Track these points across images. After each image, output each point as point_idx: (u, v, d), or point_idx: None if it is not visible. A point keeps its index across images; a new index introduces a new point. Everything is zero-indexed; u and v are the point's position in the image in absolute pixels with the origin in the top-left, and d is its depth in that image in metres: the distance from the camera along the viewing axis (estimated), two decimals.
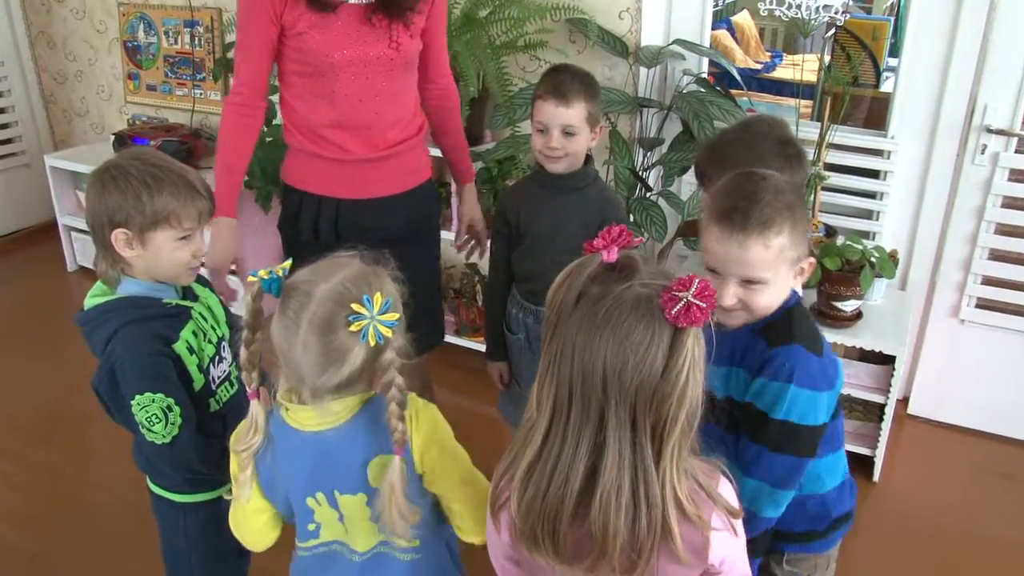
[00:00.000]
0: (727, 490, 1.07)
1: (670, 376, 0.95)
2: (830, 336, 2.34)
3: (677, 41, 2.61)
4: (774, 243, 1.24)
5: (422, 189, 2.00)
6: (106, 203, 1.38)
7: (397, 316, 1.12)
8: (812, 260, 1.35)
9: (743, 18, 5.85)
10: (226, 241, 1.89)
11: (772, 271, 1.27)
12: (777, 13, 2.63)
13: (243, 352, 1.18)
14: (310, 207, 1.92)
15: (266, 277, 1.12)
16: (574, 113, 1.76)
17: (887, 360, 2.38)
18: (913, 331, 2.69)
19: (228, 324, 1.59)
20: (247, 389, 1.21)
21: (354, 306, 1.09)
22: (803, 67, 4.38)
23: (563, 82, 1.77)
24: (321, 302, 1.10)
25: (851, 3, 4.48)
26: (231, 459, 1.26)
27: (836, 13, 2.55)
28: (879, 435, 2.43)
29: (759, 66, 5.59)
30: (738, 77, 2.56)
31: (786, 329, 1.30)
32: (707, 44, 2.75)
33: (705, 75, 2.72)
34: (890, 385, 2.36)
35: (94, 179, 1.40)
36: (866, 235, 2.66)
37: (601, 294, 0.96)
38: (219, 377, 1.55)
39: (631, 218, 2.61)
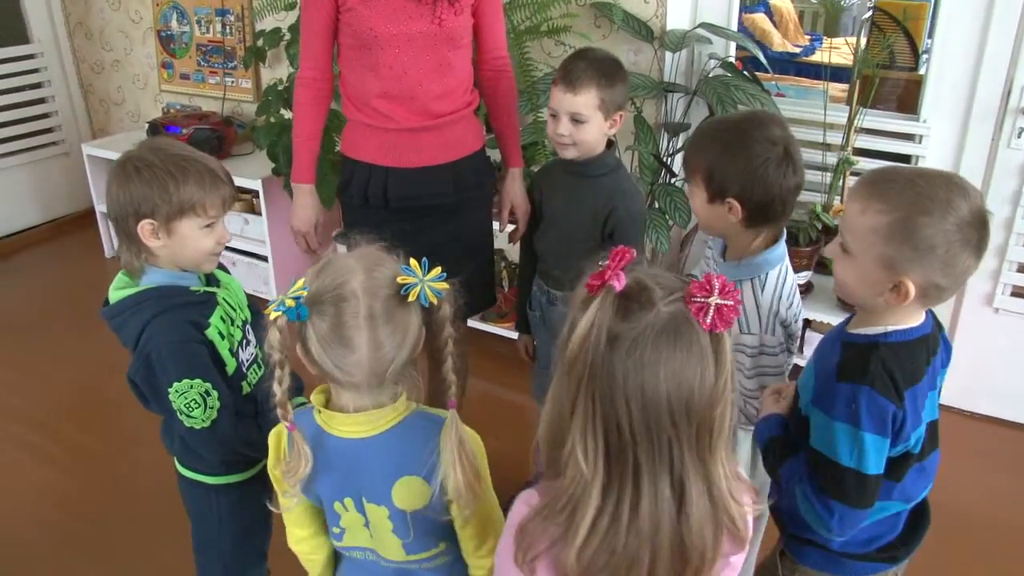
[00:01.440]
0: (742, 471, 1.08)
1: (720, 382, 0.94)
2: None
3: (703, 25, 2.58)
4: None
5: (471, 159, 2.02)
6: (131, 194, 1.39)
7: (440, 269, 1.12)
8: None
9: (781, 1, 5.76)
10: (307, 206, 2.04)
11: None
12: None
13: (277, 389, 1.13)
14: (361, 174, 1.99)
15: (291, 306, 1.08)
16: (582, 100, 1.75)
17: None
18: (945, 320, 2.63)
19: (249, 307, 1.61)
20: (284, 420, 1.16)
21: (400, 278, 1.10)
22: (836, 50, 4.29)
23: (574, 68, 1.76)
24: (365, 296, 1.09)
25: None
26: (274, 483, 1.26)
27: None
28: None
29: (798, 49, 5.50)
30: (764, 61, 2.52)
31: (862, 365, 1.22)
32: (735, 27, 2.71)
33: (733, 59, 2.68)
34: None
35: (117, 171, 1.42)
36: None
37: (634, 331, 0.91)
38: (248, 360, 1.57)
39: (655, 204, 2.59)
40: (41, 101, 4.29)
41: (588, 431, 0.93)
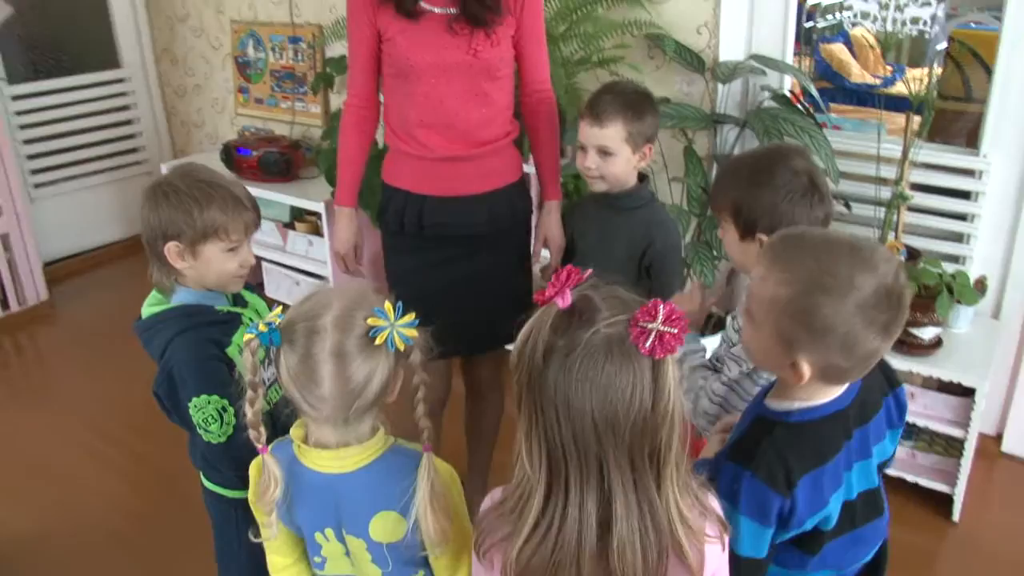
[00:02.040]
0: (716, 504, 1.06)
1: (659, 408, 0.95)
2: (905, 364, 2.24)
3: (754, 56, 2.56)
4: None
5: (507, 190, 2.02)
6: (159, 218, 1.48)
7: (413, 316, 1.14)
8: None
9: (861, 32, 5.64)
10: (346, 228, 2.11)
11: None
12: (867, 26, 2.52)
13: (248, 411, 1.18)
14: (398, 201, 2.02)
15: (264, 331, 1.12)
16: (609, 133, 1.76)
17: (969, 392, 2.26)
18: (1007, 363, 2.53)
19: None
20: (256, 442, 1.21)
21: (370, 320, 1.12)
22: (920, 82, 4.18)
23: (600, 102, 1.78)
24: (334, 331, 1.11)
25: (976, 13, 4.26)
26: (255, 513, 1.30)
27: (925, 26, 2.43)
28: (959, 471, 2.30)
29: (878, 80, 5.36)
30: (815, 94, 2.48)
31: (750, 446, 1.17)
32: (789, 59, 2.69)
33: (786, 91, 2.65)
34: (970, 419, 2.23)
35: (148, 195, 1.50)
36: (955, 259, 2.53)
37: (570, 346, 0.93)
38: (269, 379, 1.63)
39: (702, 236, 2.58)
40: (127, 123, 4.53)
41: (532, 436, 0.97)
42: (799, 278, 1.08)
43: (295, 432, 1.24)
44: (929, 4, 2.39)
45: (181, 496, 2.60)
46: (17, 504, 2.63)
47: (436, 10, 1.85)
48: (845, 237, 1.12)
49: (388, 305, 1.13)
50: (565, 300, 0.96)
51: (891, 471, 2.39)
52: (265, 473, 1.21)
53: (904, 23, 2.44)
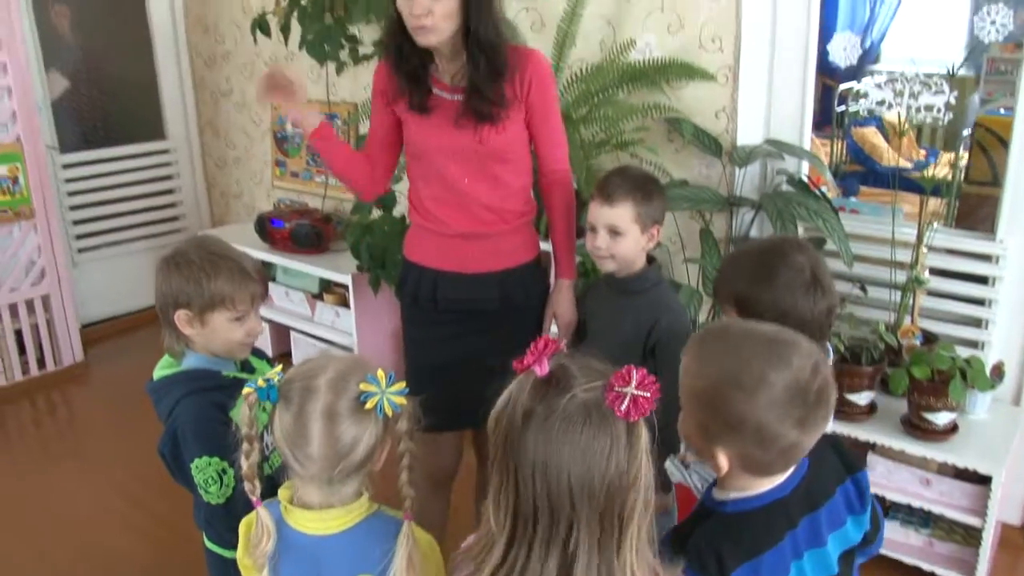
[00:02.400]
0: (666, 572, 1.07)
1: (632, 469, 0.99)
2: (919, 450, 2.23)
3: (769, 141, 2.62)
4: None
5: (520, 269, 2.07)
6: (171, 286, 1.57)
7: (404, 384, 1.19)
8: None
9: (894, 116, 5.68)
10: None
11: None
12: (877, 112, 2.58)
13: (244, 463, 1.24)
14: (414, 275, 2.09)
15: (263, 387, 1.19)
16: (619, 212, 1.83)
17: (986, 480, 2.23)
18: None
19: None
20: (251, 494, 1.27)
21: (362, 386, 1.18)
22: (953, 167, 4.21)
23: (611, 183, 1.85)
24: (328, 392, 1.18)
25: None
26: (243, 572, 1.35)
27: (938, 112, 2.48)
28: (977, 562, 2.25)
29: (910, 164, 5.39)
30: (830, 179, 2.54)
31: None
32: (806, 144, 2.74)
33: (803, 174, 2.70)
34: (987, 507, 2.20)
35: (161, 265, 1.60)
36: (974, 344, 2.53)
37: (548, 410, 0.98)
38: (272, 444, 1.68)
39: (713, 317, 2.60)
40: (169, 192, 4.71)
41: (502, 492, 1.01)
42: (714, 371, 1.12)
43: (282, 493, 1.29)
44: (943, 92, 2.43)
45: (196, 556, 2.64)
46: (41, 557, 2.69)
47: (446, 96, 1.94)
48: (765, 332, 1.15)
49: (380, 373, 1.19)
50: (543, 368, 1.00)
51: (907, 559, 2.36)
52: (258, 526, 1.26)
53: (919, 110, 2.49)
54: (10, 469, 3.23)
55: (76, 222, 4.32)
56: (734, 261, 1.66)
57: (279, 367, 1.25)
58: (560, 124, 2.06)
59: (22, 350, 3.84)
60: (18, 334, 3.82)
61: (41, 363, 3.91)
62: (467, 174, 1.96)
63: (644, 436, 0.99)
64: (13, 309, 3.77)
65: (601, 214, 1.85)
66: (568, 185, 2.11)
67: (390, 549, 1.21)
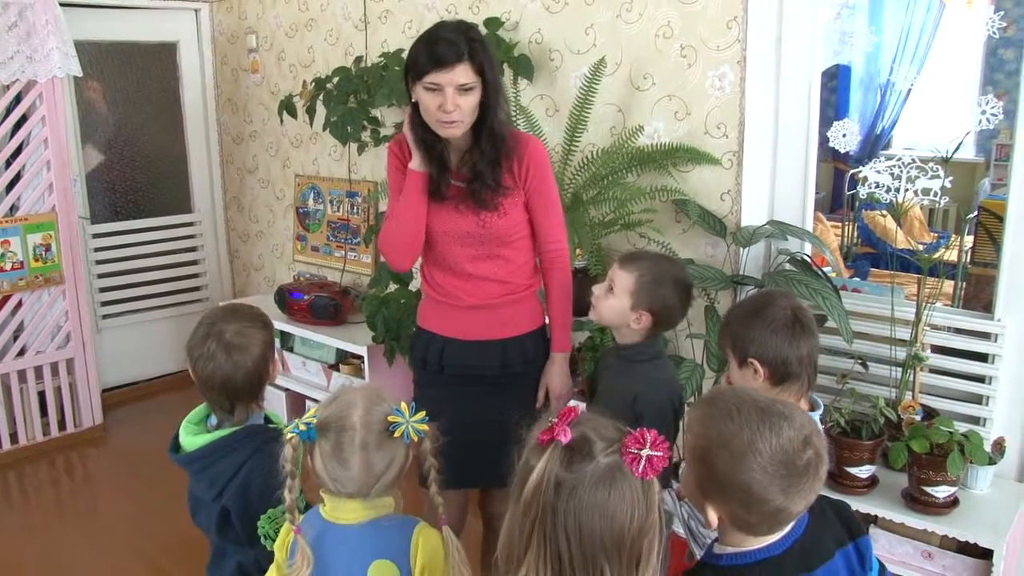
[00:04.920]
0: None
1: (649, 519, 1.10)
2: (920, 523, 2.26)
3: (772, 222, 2.74)
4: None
5: (522, 339, 2.20)
6: (262, 349, 1.74)
7: (424, 413, 1.42)
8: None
9: (901, 198, 5.81)
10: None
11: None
12: (878, 196, 2.70)
13: (287, 496, 1.43)
14: (423, 341, 2.23)
15: (304, 430, 1.38)
16: (623, 274, 1.99)
17: (988, 554, 2.25)
18: None
19: None
20: (292, 523, 1.45)
21: (390, 418, 1.40)
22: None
23: (638, 255, 2.08)
24: (361, 428, 1.39)
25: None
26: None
27: (935, 196, 2.60)
28: None
29: (921, 247, 5.50)
30: (830, 259, 2.63)
31: None
32: (808, 225, 2.86)
33: (805, 254, 2.80)
34: None
35: (262, 333, 1.78)
36: (975, 420, 2.58)
37: (576, 480, 1.08)
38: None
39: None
40: (194, 263, 4.87)
41: (540, 559, 1.09)
42: (711, 432, 1.20)
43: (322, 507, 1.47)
44: (938, 176, 2.56)
45: None
46: None
47: (455, 183, 2.08)
48: (759, 400, 1.23)
49: (404, 405, 1.41)
50: (567, 436, 1.11)
51: None
52: (300, 555, 1.42)
53: (916, 193, 2.61)
54: (27, 527, 3.29)
55: (102, 289, 4.48)
56: (732, 309, 1.90)
57: (312, 410, 1.44)
58: (557, 205, 2.19)
59: (44, 411, 3.94)
60: (41, 396, 3.92)
61: (62, 425, 4.01)
62: (472, 256, 2.10)
63: (656, 487, 1.10)
64: (38, 371, 3.89)
65: (613, 269, 2.02)
66: (565, 263, 2.22)
67: (407, 539, 1.44)
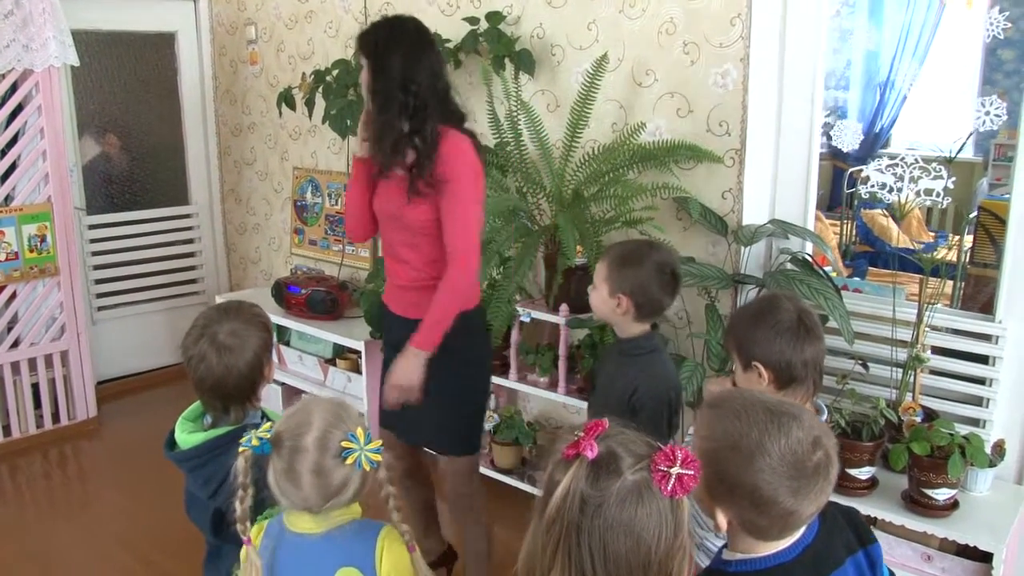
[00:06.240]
0: None
1: (677, 539, 1.05)
2: (920, 525, 2.25)
3: (773, 221, 2.72)
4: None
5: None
6: (260, 346, 1.73)
7: (380, 443, 1.40)
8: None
9: (903, 198, 5.80)
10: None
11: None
12: (880, 195, 2.69)
13: (238, 507, 1.41)
14: (383, 311, 2.54)
15: (256, 444, 1.37)
16: (598, 268, 2.02)
17: (988, 557, 2.24)
18: None
19: None
20: (242, 534, 1.43)
21: (343, 443, 1.36)
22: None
23: (614, 245, 2.07)
24: (314, 451, 1.36)
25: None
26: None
27: (937, 197, 2.59)
28: None
29: (919, 246, 5.49)
30: (831, 258, 2.62)
31: None
32: (810, 224, 2.84)
33: (807, 254, 2.79)
34: None
35: (260, 331, 1.76)
36: (975, 422, 2.57)
37: (602, 498, 1.03)
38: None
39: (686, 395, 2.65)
40: (190, 255, 4.84)
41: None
42: (718, 434, 1.19)
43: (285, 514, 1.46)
44: (941, 177, 2.55)
45: None
46: None
47: (399, 171, 2.23)
48: (769, 402, 1.22)
49: (360, 431, 1.38)
50: (593, 451, 1.05)
51: None
52: (249, 566, 1.41)
53: (919, 193, 2.60)
54: (18, 521, 3.27)
55: (97, 281, 4.45)
56: (737, 313, 1.90)
57: (268, 424, 1.42)
58: (465, 208, 2.19)
59: (37, 404, 3.91)
60: (35, 388, 3.89)
61: (55, 417, 3.98)
62: (399, 240, 2.32)
63: (685, 506, 1.05)
64: (32, 363, 3.86)
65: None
66: (458, 265, 2.20)
67: (372, 546, 1.43)
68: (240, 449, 1.38)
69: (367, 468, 1.37)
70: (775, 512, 1.16)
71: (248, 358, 1.68)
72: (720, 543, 1.65)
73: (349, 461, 1.35)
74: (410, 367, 2.21)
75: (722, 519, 1.19)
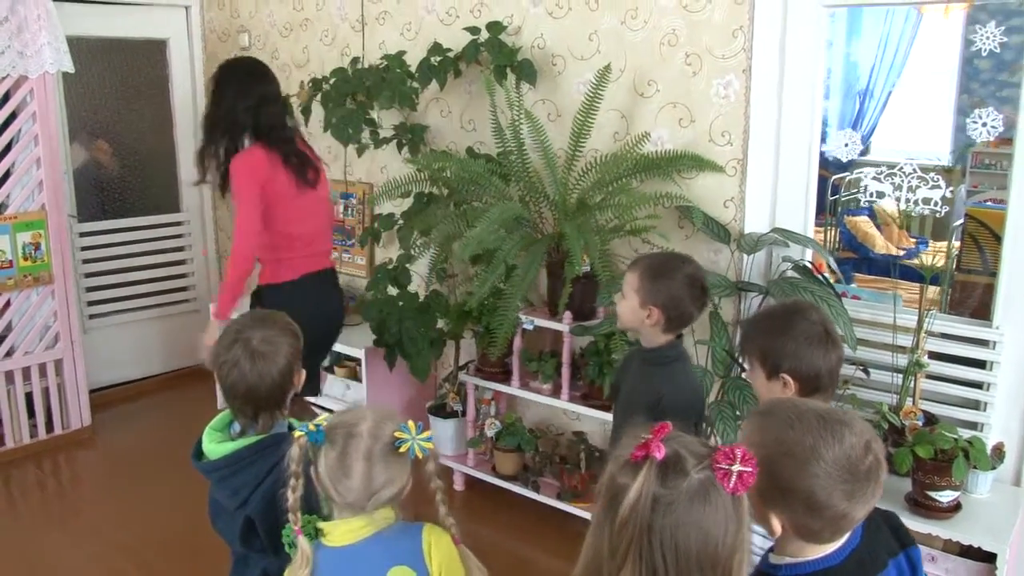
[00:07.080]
0: None
1: (739, 535, 1.09)
2: (924, 527, 2.30)
3: (775, 230, 2.77)
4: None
5: (263, 289, 3.12)
6: (287, 359, 1.73)
7: (429, 433, 1.45)
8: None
9: (886, 205, 5.91)
10: None
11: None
12: (875, 203, 2.75)
13: (290, 496, 1.44)
14: None
15: (313, 431, 1.42)
16: (628, 277, 2.03)
17: (991, 558, 2.30)
18: None
19: None
20: (294, 524, 1.46)
21: (397, 433, 1.41)
22: (941, 254, 4.38)
23: (642, 256, 2.11)
24: (368, 438, 1.41)
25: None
26: None
27: (936, 206, 2.65)
28: None
29: (901, 252, 5.58)
30: (832, 265, 2.68)
31: None
32: (810, 232, 2.89)
33: (807, 261, 2.84)
34: None
35: (292, 341, 1.77)
36: (973, 426, 2.63)
37: (671, 497, 1.06)
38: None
39: (725, 397, 2.70)
40: (181, 263, 4.81)
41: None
42: (770, 441, 1.22)
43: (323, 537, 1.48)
44: (939, 187, 2.61)
45: None
46: None
47: None
48: (818, 408, 1.26)
49: (411, 423, 1.43)
50: (662, 452, 1.09)
51: None
52: (300, 553, 1.44)
53: (917, 203, 2.66)
54: (13, 530, 3.24)
55: (89, 289, 4.41)
56: (757, 319, 1.91)
57: (324, 415, 1.46)
58: (239, 212, 2.88)
59: (31, 413, 3.87)
60: (28, 397, 3.85)
61: (49, 426, 3.94)
62: None
63: (745, 503, 1.09)
64: (26, 372, 3.82)
65: (625, 274, 2.08)
66: (232, 258, 2.97)
67: (418, 542, 1.47)
68: (296, 435, 1.41)
69: (419, 456, 1.42)
70: (828, 515, 1.19)
71: (280, 364, 1.70)
72: (760, 545, 1.68)
73: (403, 449, 1.40)
74: (209, 336, 2.81)
75: (776, 524, 1.22)
